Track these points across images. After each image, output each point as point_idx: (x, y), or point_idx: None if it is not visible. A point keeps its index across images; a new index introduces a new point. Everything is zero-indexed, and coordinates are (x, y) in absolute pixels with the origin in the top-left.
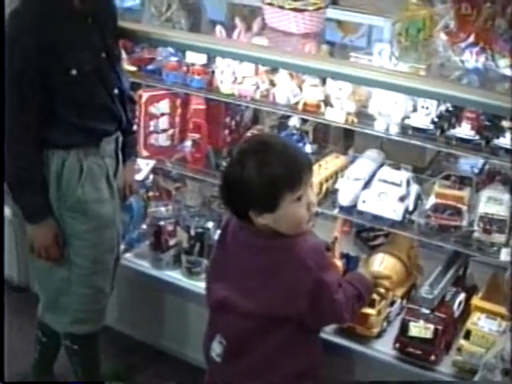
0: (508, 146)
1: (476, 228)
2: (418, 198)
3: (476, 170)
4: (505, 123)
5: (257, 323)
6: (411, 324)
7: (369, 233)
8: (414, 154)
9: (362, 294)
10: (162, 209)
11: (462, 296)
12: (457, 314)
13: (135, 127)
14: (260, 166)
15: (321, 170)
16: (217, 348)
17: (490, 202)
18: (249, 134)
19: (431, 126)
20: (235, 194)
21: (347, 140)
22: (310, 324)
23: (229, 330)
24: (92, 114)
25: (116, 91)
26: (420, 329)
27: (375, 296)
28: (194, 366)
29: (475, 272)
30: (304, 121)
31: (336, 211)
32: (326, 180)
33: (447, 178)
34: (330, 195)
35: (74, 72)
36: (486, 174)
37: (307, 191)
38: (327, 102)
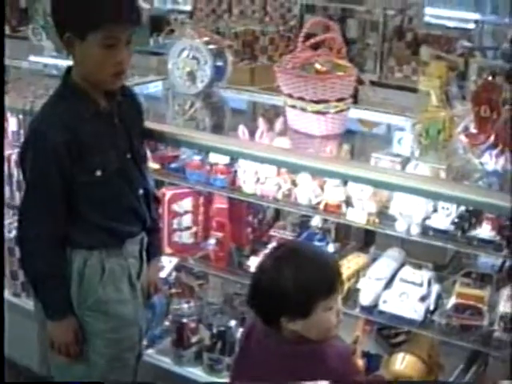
0: None
1: (496, 327)
2: (439, 297)
3: (496, 268)
4: None
5: None
6: None
7: (390, 330)
8: (434, 252)
9: None
10: (185, 306)
11: None
12: None
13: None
14: (296, 274)
15: (343, 270)
16: None
17: (511, 301)
18: (271, 232)
19: (452, 227)
20: (268, 300)
21: (368, 238)
22: None
23: None
24: (116, 215)
25: (141, 191)
26: None
27: None
28: None
29: (496, 369)
30: (325, 219)
31: (357, 310)
32: (348, 279)
33: (468, 275)
34: (351, 294)
35: (98, 173)
36: (507, 271)
37: (337, 299)
38: (348, 203)
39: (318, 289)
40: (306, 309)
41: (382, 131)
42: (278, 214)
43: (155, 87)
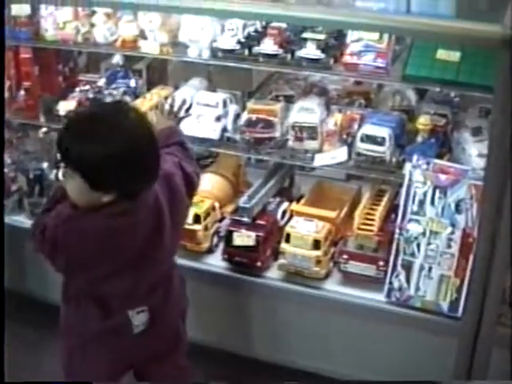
0: (311, 56)
1: (289, 137)
2: (237, 117)
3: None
4: (305, 35)
5: None
6: (234, 234)
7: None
8: (240, 80)
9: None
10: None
11: (285, 205)
12: (282, 222)
13: None
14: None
15: (145, 102)
16: None
17: (302, 112)
18: (80, 77)
19: (238, 46)
20: None
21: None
22: None
23: None
24: None
25: None
26: (243, 237)
27: (200, 212)
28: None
29: (303, 184)
30: (139, 59)
31: None
32: (151, 109)
33: (277, 98)
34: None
35: None
36: (304, 87)
37: None
38: (143, 36)
39: None
40: None
41: None
42: (90, 60)
43: None
